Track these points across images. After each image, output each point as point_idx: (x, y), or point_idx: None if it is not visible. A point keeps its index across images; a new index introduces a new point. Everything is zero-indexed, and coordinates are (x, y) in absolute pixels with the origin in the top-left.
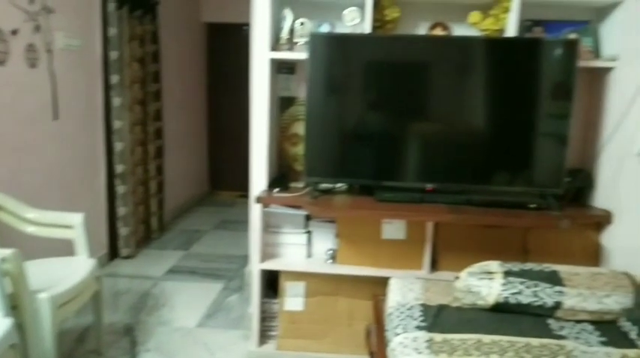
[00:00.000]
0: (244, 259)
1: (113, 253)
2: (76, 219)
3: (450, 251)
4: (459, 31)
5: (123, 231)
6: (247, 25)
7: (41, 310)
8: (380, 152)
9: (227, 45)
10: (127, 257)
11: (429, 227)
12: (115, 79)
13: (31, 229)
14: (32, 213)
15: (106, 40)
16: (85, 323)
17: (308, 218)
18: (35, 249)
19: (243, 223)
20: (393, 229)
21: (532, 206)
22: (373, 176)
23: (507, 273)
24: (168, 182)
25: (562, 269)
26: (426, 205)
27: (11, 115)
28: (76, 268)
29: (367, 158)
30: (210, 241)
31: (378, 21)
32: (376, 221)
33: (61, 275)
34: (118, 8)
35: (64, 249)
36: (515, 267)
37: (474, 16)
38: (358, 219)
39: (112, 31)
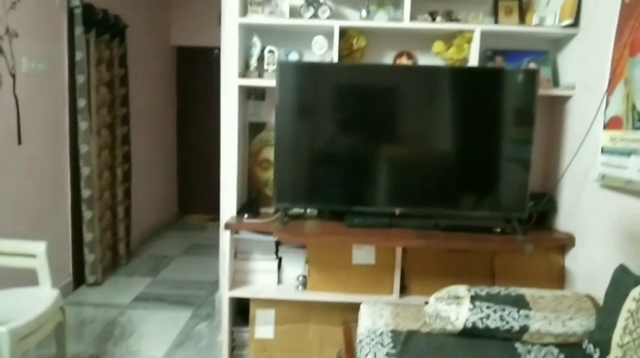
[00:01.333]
0: (214, 285)
1: (79, 280)
2: (39, 248)
3: (419, 275)
4: (424, 59)
5: (89, 257)
6: (218, 49)
7: (0, 344)
8: (349, 177)
9: (197, 68)
10: (94, 284)
11: (398, 252)
12: (81, 103)
13: None
14: None
15: (72, 64)
16: (48, 355)
17: (278, 244)
18: None
19: (213, 247)
20: (363, 254)
21: (497, 230)
22: (343, 201)
23: (474, 298)
24: (136, 206)
25: (528, 292)
26: (394, 230)
27: None
28: (39, 299)
29: (337, 183)
30: (179, 267)
31: (346, 49)
32: (346, 246)
33: (23, 307)
34: (85, 32)
35: (27, 277)
36: (483, 291)
37: (438, 45)
38: (328, 244)
39: (79, 55)
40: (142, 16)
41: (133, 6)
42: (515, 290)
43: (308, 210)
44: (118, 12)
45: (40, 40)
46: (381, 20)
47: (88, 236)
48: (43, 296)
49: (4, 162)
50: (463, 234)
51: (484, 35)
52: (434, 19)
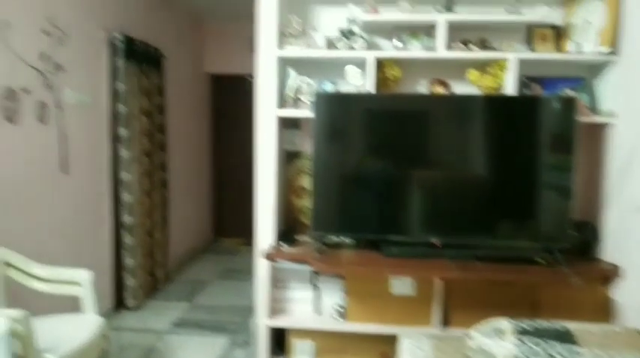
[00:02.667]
0: (249, 311)
1: (118, 304)
2: (85, 275)
3: (460, 306)
4: (459, 87)
5: (130, 282)
6: (250, 75)
7: None
8: (386, 206)
9: (229, 95)
10: (134, 308)
11: (438, 282)
12: (123, 132)
13: (38, 285)
14: (40, 270)
15: (114, 95)
16: None
17: (316, 273)
18: (42, 304)
19: (246, 272)
20: (402, 285)
21: (540, 261)
22: (379, 230)
23: (520, 332)
24: (173, 231)
25: (574, 327)
26: (433, 260)
27: (22, 171)
28: (84, 326)
29: (373, 212)
30: (214, 291)
31: (380, 79)
32: (384, 277)
33: (69, 334)
34: (126, 64)
35: (71, 304)
36: (527, 324)
37: (473, 74)
38: (366, 275)
39: (120, 85)
40: (178, 46)
41: (170, 37)
42: (560, 324)
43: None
44: (157, 43)
45: (85, 73)
46: (415, 50)
47: (129, 261)
48: (88, 324)
49: (50, 190)
50: (504, 265)
51: (519, 62)
52: (467, 47)
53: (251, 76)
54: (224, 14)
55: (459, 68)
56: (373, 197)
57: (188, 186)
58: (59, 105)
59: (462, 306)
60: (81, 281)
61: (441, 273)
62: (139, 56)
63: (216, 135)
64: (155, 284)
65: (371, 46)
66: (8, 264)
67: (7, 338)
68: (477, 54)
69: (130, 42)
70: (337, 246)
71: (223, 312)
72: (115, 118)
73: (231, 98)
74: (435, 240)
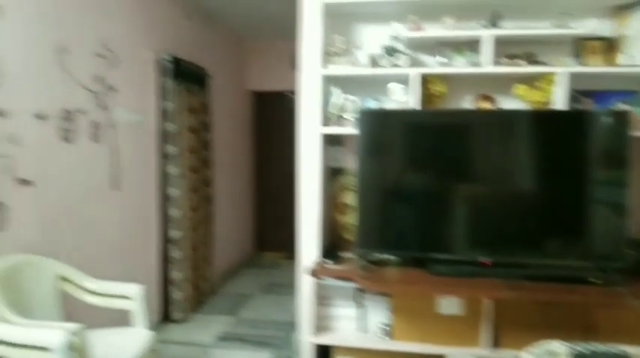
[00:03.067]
0: (292, 326)
1: (164, 317)
2: (135, 290)
3: (510, 327)
4: (505, 102)
5: (177, 295)
6: (290, 92)
7: None
8: (431, 223)
9: (270, 111)
10: (180, 321)
11: (487, 301)
12: (171, 149)
13: (91, 299)
14: (93, 284)
15: (162, 114)
16: None
17: (361, 290)
18: (93, 317)
19: (288, 286)
20: (450, 304)
21: (594, 281)
22: (425, 247)
23: (576, 355)
24: (217, 245)
25: (632, 351)
26: (481, 279)
27: (77, 189)
28: (134, 340)
29: (418, 229)
30: (257, 305)
31: (425, 95)
32: (431, 296)
33: (120, 347)
34: (174, 84)
35: (120, 317)
36: (583, 348)
37: (520, 88)
38: (412, 293)
39: (168, 104)
40: (223, 65)
41: (214, 56)
42: (618, 348)
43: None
44: (202, 63)
45: (135, 93)
46: (459, 65)
47: (176, 275)
48: (138, 338)
49: (102, 206)
50: (556, 285)
51: (569, 76)
52: (514, 62)
53: (292, 93)
54: (266, 33)
55: (505, 83)
56: (418, 214)
57: (231, 200)
58: (111, 125)
59: (512, 327)
60: (132, 296)
61: (491, 293)
62: (185, 76)
63: (257, 151)
64: (200, 298)
65: (414, 62)
66: (63, 278)
67: (65, 350)
68: (527, 69)
69: (177, 62)
70: (382, 263)
71: (266, 327)
72: (164, 136)
73: (272, 114)
74: (484, 259)
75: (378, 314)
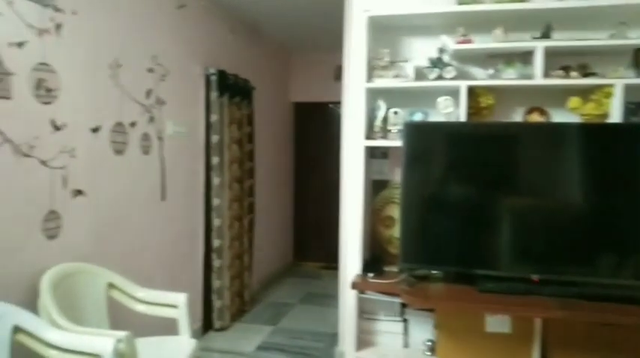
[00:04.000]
0: (332, 338)
1: (207, 325)
2: (181, 299)
3: (560, 347)
4: (558, 115)
5: (217, 303)
6: (333, 103)
7: None
8: (479, 239)
9: (312, 122)
10: (220, 329)
11: (538, 321)
12: (215, 160)
13: (139, 307)
14: (141, 292)
15: (208, 125)
16: None
17: (404, 305)
18: (139, 325)
19: (328, 297)
20: (498, 322)
21: None
22: (472, 263)
23: None
24: (258, 254)
25: None
26: (532, 298)
27: (127, 199)
28: (179, 348)
29: (465, 245)
30: (297, 316)
31: (473, 108)
32: (479, 313)
33: (165, 355)
34: (219, 96)
35: (164, 325)
36: None
37: (574, 101)
38: (459, 310)
39: (214, 116)
40: (266, 77)
41: (258, 68)
42: None
43: (433, 271)
44: (247, 75)
45: (183, 106)
46: (510, 78)
47: (216, 283)
48: (183, 346)
49: (150, 216)
50: (609, 305)
51: (626, 88)
52: (567, 74)
53: (334, 104)
54: (310, 45)
55: (558, 95)
56: (463, 229)
57: (272, 210)
58: (160, 137)
59: (563, 347)
60: (178, 304)
61: (542, 313)
62: (230, 88)
63: (297, 161)
64: (241, 307)
65: (462, 74)
66: (113, 286)
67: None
68: (580, 81)
69: (222, 75)
70: (426, 277)
71: (306, 338)
72: (209, 147)
73: (313, 125)
74: (534, 276)
75: (421, 330)
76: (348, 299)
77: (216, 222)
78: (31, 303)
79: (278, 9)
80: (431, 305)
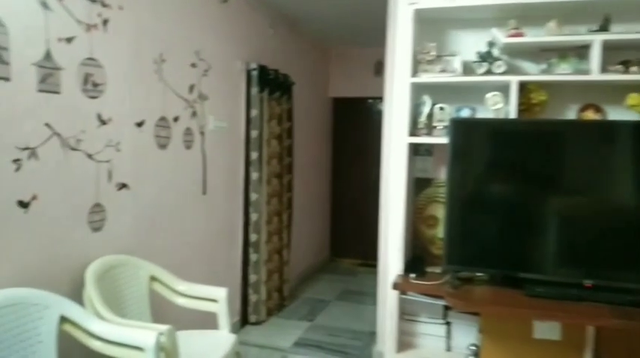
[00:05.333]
0: (370, 337)
1: (243, 319)
2: (221, 293)
3: (613, 355)
4: (614, 113)
5: (253, 297)
6: (371, 99)
7: None
8: (528, 241)
9: (350, 118)
10: (255, 323)
11: (590, 328)
12: (254, 155)
13: (181, 301)
14: (183, 286)
15: (248, 121)
16: None
17: (447, 307)
18: (179, 318)
19: (365, 295)
20: (547, 328)
21: None
22: (520, 267)
23: None
24: (295, 249)
25: None
26: (584, 304)
27: (169, 193)
28: (219, 343)
29: (513, 246)
30: (334, 312)
31: (524, 104)
32: (526, 318)
33: (205, 350)
34: (259, 92)
35: (203, 319)
36: None
37: (634, 98)
38: (505, 314)
39: (254, 112)
40: (306, 72)
41: (298, 64)
42: None
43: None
44: (286, 71)
45: (224, 101)
46: (564, 73)
47: (252, 277)
48: (223, 340)
49: (191, 210)
50: None
51: None
52: (627, 69)
53: (373, 100)
54: (350, 40)
55: (615, 92)
56: (512, 231)
57: (309, 205)
58: (202, 131)
59: (616, 355)
60: (218, 299)
61: (596, 321)
62: (271, 83)
63: (335, 156)
64: (278, 301)
65: (513, 69)
66: (155, 279)
67: (156, 351)
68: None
69: (263, 70)
70: (470, 279)
71: (344, 335)
72: (249, 142)
73: (351, 120)
74: (587, 282)
75: (465, 334)
76: (388, 299)
77: (253, 216)
78: (76, 294)
79: (319, 3)
80: (477, 308)
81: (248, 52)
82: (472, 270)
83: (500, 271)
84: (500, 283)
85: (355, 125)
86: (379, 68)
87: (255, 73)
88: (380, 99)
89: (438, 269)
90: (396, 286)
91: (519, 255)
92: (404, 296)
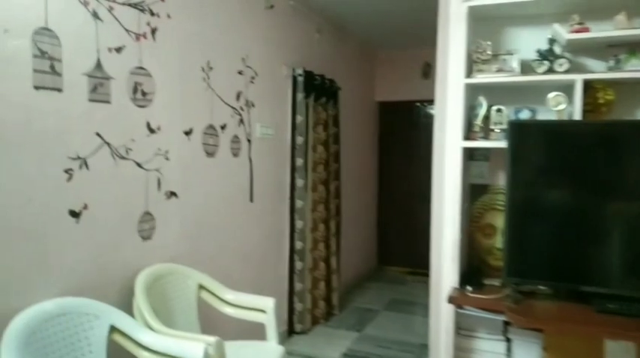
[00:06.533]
0: (421, 349)
1: (290, 328)
2: (269, 303)
3: None
4: None
5: (298, 306)
6: (419, 102)
7: None
8: (596, 254)
9: (397, 122)
10: (301, 333)
11: None
12: (299, 161)
13: (228, 310)
14: (230, 295)
15: (293, 127)
16: None
17: (507, 322)
18: (224, 327)
19: (414, 305)
20: (620, 349)
21: None
22: (588, 280)
23: None
24: (343, 257)
25: None
26: None
27: (216, 201)
28: (267, 355)
29: (579, 258)
30: (382, 323)
31: (589, 104)
32: (597, 337)
33: None
34: (305, 97)
35: (250, 329)
36: None
37: None
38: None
39: (299, 118)
40: (352, 76)
41: (344, 68)
42: None
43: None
44: (332, 75)
45: (270, 107)
46: (634, 69)
47: (297, 286)
48: (270, 352)
49: (238, 218)
50: None
51: None
52: None
53: (421, 103)
54: (396, 42)
55: None
56: (578, 240)
57: (357, 212)
58: (249, 139)
59: None
60: (266, 309)
61: None
62: (316, 89)
63: (381, 162)
64: (330, 310)
65: (576, 67)
66: (203, 288)
67: None
68: None
69: (309, 76)
70: (531, 293)
71: (393, 347)
72: (295, 149)
73: (398, 124)
74: None
75: (527, 352)
76: (442, 312)
77: (298, 224)
78: (125, 302)
79: (365, 6)
80: (541, 325)
81: (294, 58)
82: (534, 283)
83: (565, 285)
84: (566, 297)
85: (402, 129)
86: (427, 70)
87: (301, 79)
88: (427, 102)
89: (496, 282)
90: (451, 300)
91: (587, 268)
92: (460, 311)
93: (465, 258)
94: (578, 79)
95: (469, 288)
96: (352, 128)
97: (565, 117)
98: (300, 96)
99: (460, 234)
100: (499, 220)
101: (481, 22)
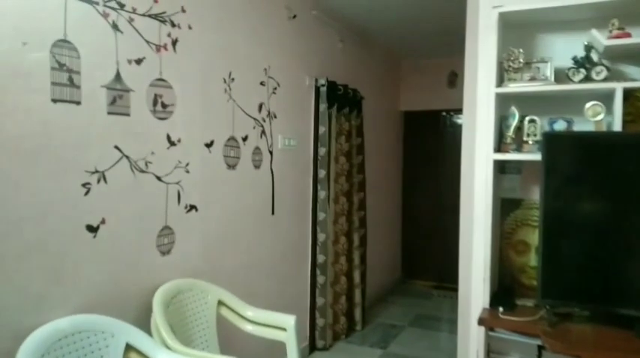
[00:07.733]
0: None
1: (311, 344)
2: (290, 321)
3: None
4: None
5: (319, 321)
6: (444, 111)
7: None
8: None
9: (422, 132)
10: (322, 349)
11: None
12: (321, 173)
13: (248, 328)
14: (251, 312)
15: (316, 138)
16: None
17: (541, 346)
18: (243, 345)
19: (441, 321)
20: None
21: None
22: (629, 303)
23: None
24: (368, 271)
25: None
26: None
27: (237, 214)
28: None
29: (622, 280)
30: (408, 340)
31: (630, 114)
32: None
33: None
34: (328, 108)
35: (269, 346)
36: None
37: None
38: None
39: (322, 129)
40: (376, 86)
41: (367, 77)
42: None
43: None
44: (355, 85)
45: (292, 118)
46: None
47: (319, 300)
48: None
49: (259, 231)
50: None
51: None
52: None
53: (447, 112)
54: (420, 51)
55: None
56: (620, 261)
57: (381, 224)
58: (270, 151)
59: None
60: (287, 327)
61: None
62: (340, 99)
63: (406, 172)
64: (352, 326)
65: (616, 75)
66: (223, 304)
67: None
68: None
69: (331, 86)
70: (567, 315)
71: None
72: (318, 160)
73: (423, 135)
74: None
75: None
76: (471, 332)
77: (320, 237)
78: (143, 318)
79: (390, 15)
80: (579, 352)
81: (316, 68)
82: (571, 305)
83: (605, 308)
84: (605, 320)
85: (427, 139)
86: (453, 79)
87: (323, 89)
88: (454, 111)
89: (529, 302)
90: (482, 321)
91: (626, 289)
92: (492, 334)
93: (495, 276)
94: (618, 87)
95: (501, 309)
96: (376, 138)
97: (604, 128)
98: (322, 106)
99: (490, 251)
100: (532, 237)
101: (512, 29)
